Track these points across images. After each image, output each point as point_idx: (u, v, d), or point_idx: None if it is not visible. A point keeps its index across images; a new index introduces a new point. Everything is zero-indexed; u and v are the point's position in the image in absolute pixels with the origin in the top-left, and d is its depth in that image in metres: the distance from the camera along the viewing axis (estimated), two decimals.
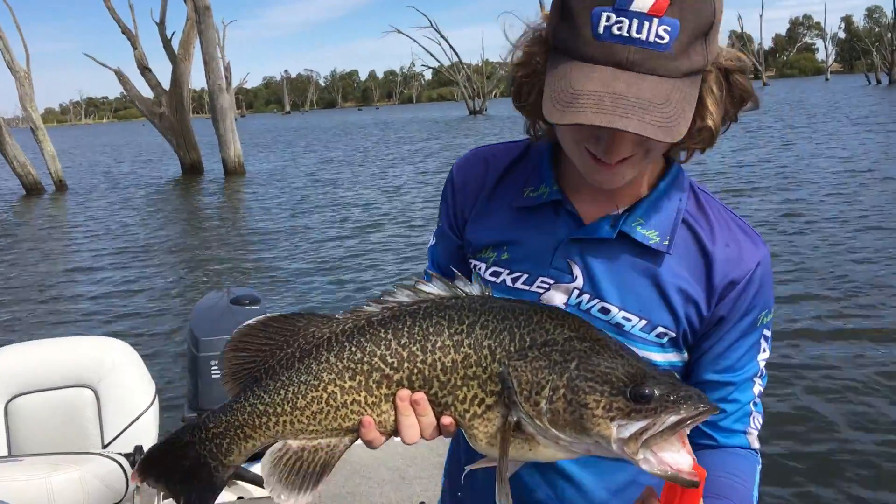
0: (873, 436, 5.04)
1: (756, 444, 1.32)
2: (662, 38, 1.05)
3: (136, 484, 1.07)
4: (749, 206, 13.26)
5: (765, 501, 4.35)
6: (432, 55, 74.86)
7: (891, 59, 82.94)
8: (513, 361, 1.05)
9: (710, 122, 1.17)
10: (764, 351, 1.30)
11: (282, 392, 1.14)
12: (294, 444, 1.15)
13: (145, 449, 2.82)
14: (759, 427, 1.33)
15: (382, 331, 1.12)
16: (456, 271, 1.16)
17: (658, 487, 1.09)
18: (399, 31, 71.33)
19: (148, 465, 1.20)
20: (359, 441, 1.15)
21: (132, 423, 3.07)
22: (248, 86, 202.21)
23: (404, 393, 1.09)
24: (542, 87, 1.13)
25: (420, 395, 1.08)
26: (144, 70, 27.67)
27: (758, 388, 1.31)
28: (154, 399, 3.18)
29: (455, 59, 74.13)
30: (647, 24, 1.03)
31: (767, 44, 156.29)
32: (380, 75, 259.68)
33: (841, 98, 53.00)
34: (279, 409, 1.14)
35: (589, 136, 1.14)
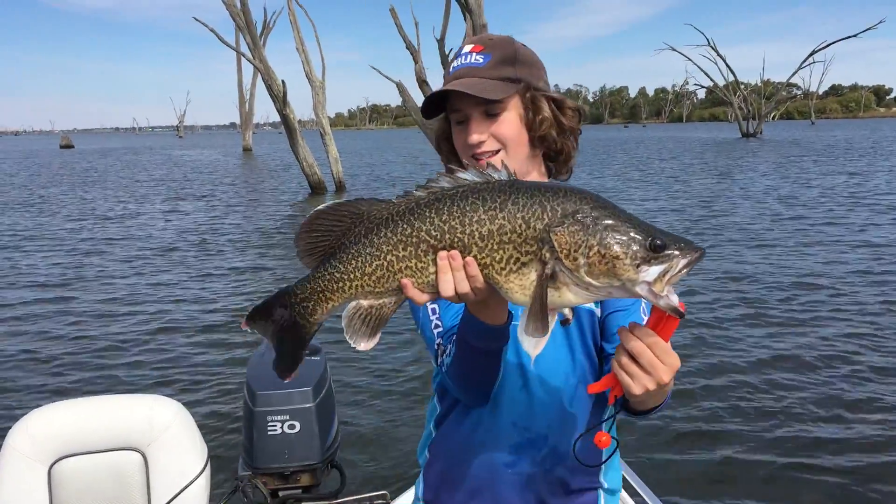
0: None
1: None
2: (478, 61, 1.79)
3: (247, 329, 1.50)
4: None
5: None
6: (706, 74, 72.22)
7: None
8: (553, 227, 1.32)
9: (546, 119, 1.80)
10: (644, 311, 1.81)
11: (353, 262, 1.42)
12: (364, 303, 1.44)
13: None
14: None
15: (427, 210, 1.38)
16: (488, 162, 1.47)
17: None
18: (673, 49, 69.48)
19: (252, 319, 1.50)
20: None
21: (181, 491, 2.83)
22: None
23: (444, 252, 1.37)
24: (449, 136, 1.88)
25: (455, 252, 1.37)
26: (422, 83, 29.52)
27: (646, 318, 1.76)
28: (206, 465, 2.94)
29: (731, 78, 70.71)
30: (468, 56, 1.80)
31: None
32: (650, 93, 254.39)
33: None
34: (352, 276, 1.42)
35: (464, 144, 1.79)
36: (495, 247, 1.36)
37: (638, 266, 1.29)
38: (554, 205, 1.34)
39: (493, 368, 1.72)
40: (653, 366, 1.38)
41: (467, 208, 1.36)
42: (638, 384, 1.40)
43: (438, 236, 1.37)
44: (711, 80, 73.13)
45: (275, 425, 3.18)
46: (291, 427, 3.18)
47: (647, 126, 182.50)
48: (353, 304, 1.44)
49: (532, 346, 1.41)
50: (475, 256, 1.37)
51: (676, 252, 1.30)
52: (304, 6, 27.93)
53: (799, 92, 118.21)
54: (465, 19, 27.91)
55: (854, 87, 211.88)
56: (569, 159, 1.91)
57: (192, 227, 17.91)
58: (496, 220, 1.35)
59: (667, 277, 1.29)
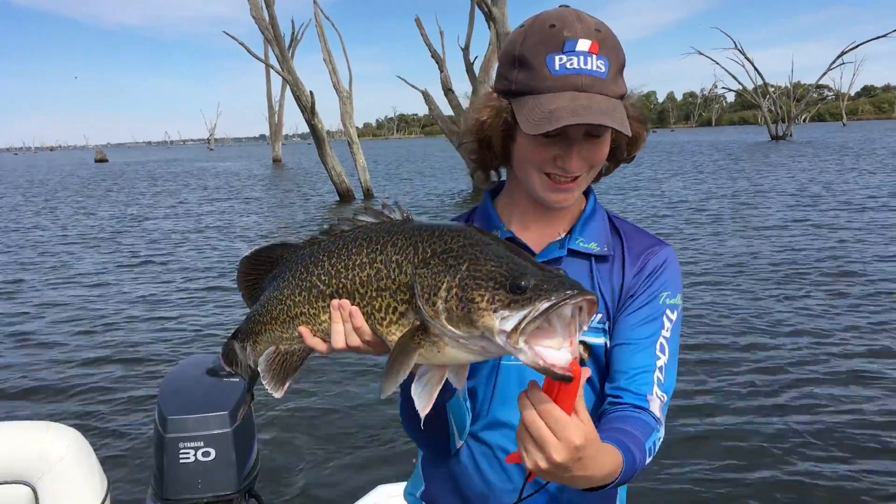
0: None
1: (657, 413, 1.47)
2: (600, 69, 1.39)
3: (226, 368, 1.51)
4: None
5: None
6: (734, 77, 71.42)
7: None
8: (418, 270, 1.16)
9: (638, 147, 1.57)
10: (666, 329, 1.52)
11: (263, 306, 1.40)
12: (281, 347, 1.39)
13: None
14: (662, 399, 1.49)
15: (322, 254, 1.31)
16: (389, 203, 1.32)
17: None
18: (700, 53, 69.03)
19: (227, 356, 1.55)
20: None
21: None
22: None
23: (335, 301, 1.26)
24: (505, 131, 1.47)
25: (344, 301, 1.25)
26: (448, 91, 29.80)
27: (661, 360, 1.50)
28: (105, 498, 2.68)
29: (759, 81, 70.19)
30: (589, 59, 1.38)
31: None
32: (678, 97, 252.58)
33: None
34: (262, 320, 1.40)
35: (547, 160, 1.45)
36: (374, 294, 1.23)
37: (496, 311, 1.06)
38: (426, 245, 1.18)
39: (437, 425, 1.50)
40: (542, 439, 1.11)
41: (353, 251, 1.26)
42: (529, 459, 1.15)
43: (327, 281, 1.29)
44: (740, 83, 72.64)
45: (187, 453, 2.88)
46: (206, 454, 2.89)
47: (676, 130, 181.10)
48: (272, 348, 1.40)
49: (421, 405, 1.23)
50: (358, 305, 1.24)
51: (540, 292, 1.04)
52: (331, 18, 28.41)
53: (830, 94, 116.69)
54: (489, 28, 28.20)
55: (886, 88, 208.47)
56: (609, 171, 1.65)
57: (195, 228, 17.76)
58: (374, 265, 1.23)
59: (522, 326, 1.03)
